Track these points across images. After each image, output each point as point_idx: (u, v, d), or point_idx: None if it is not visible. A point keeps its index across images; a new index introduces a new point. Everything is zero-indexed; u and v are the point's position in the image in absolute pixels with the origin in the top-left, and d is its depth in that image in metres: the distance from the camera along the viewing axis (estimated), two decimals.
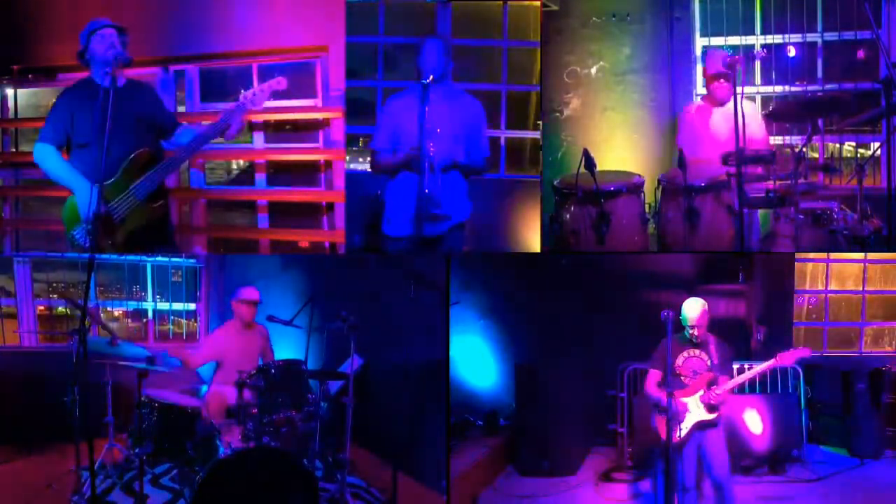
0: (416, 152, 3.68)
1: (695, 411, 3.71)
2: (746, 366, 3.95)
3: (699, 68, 5.45)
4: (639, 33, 5.39)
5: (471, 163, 3.92)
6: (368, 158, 5.48)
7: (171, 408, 4.10)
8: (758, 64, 5.41)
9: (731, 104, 4.38)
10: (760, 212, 4.34)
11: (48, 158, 3.81)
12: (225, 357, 4.70)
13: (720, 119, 4.49)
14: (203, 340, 4.88)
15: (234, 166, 5.77)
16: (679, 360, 3.76)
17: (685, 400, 3.71)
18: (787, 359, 3.70)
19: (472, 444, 5.06)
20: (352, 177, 5.16)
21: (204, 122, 5.10)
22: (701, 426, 3.71)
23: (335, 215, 5.17)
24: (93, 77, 3.83)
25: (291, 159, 5.32)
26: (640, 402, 5.05)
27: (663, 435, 3.70)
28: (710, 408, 3.69)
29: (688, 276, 5.45)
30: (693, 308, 3.75)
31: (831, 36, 5.26)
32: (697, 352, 3.76)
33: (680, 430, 3.65)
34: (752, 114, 4.46)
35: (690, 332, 3.75)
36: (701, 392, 3.70)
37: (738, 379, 3.72)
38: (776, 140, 5.37)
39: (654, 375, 3.85)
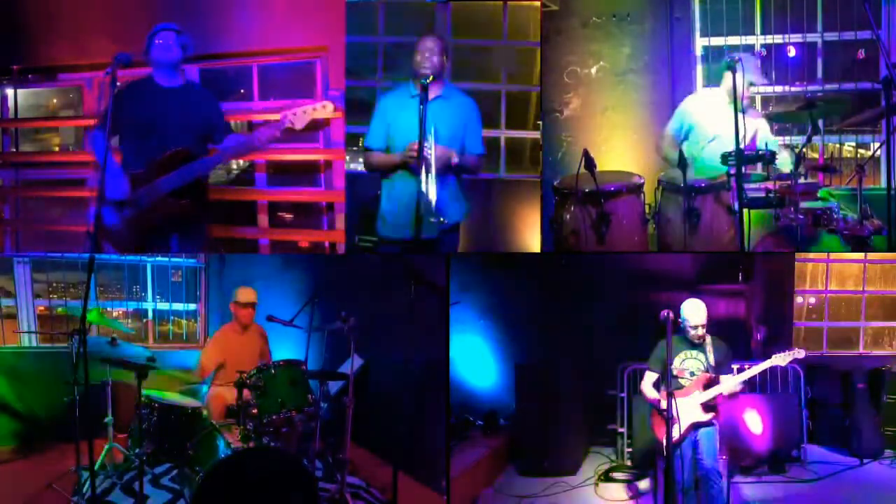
0: (413, 155, 3.66)
1: (691, 412, 3.72)
2: (747, 365, 3.96)
3: (700, 68, 5.45)
4: (639, 33, 5.39)
5: (465, 162, 3.91)
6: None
7: (171, 408, 4.09)
8: (758, 64, 5.41)
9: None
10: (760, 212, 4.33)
11: (97, 144, 4.00)
12: (226, 358, 4.70)
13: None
14: (209, 347, 4.84)
15: (234, 166, 5.77)
16: (677, 362, 3.78)
17: (682, 401, 3.71)
18: (781, 359, 3.73)
19: (472, 444, 5.06)
20: (352, 177, 5.16)
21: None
22: (697, 427, 3.73)
23: (335, 215, 5.18)
24: (152, 76, 4.03)
25: (291, 159, 5.32)
26: (641, 401, 5.05)
27: (659, 436, 3.71)
28: (707, 408, 3.71)
29: (688, 276, 5.44)
30: (693, 309, 3.77)
31: (831, 36, 5.26)
32: (695, 353, 3.79)
33: (677, 430, 3.66)
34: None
35: (690, 333, 3.76)
36: (696, 393, 3.69)
37: (734, 380, 3.72)
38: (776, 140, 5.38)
39: (650, 377, 3.88)
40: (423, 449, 4.36)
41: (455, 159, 3.82)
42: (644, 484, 4.69)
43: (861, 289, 6.03)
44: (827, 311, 6.05)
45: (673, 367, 3.73)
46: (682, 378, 3.77)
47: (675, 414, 3.57)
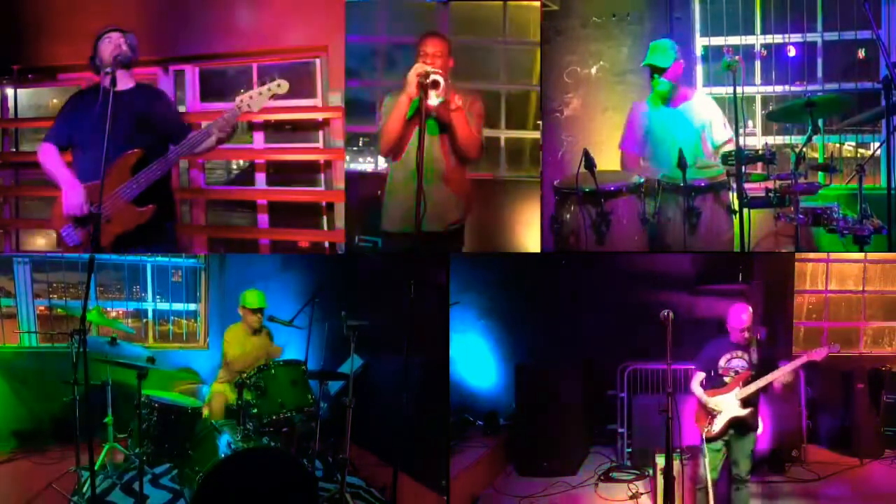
0: (423, 72, 3.60)
1: (730, 408, 3.83)
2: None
3: (699, 68, 5.45)
4: (639, 33, 5.38)
5: (464, 131, 3.84)
6: (371, 158, 5.54)
7: (171, 408, 4.10)
8: (758, 64, 5.41)
9: (689, 103, 4.40)
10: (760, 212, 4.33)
11: (47, 157, 3.82)
12: (232, 359, 4.69)
13: (669, 119, 4.41)
14: (231, 345, 4.80)
15: (234, 166, 5.77)
16: (722, 361, 3.91)
17: (722, 397, 3.85)
18: (817, 355, 3.81)
19: (472, 444, 5.06)
20: (352, 177, 5.16)
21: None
22: (736, 423, 3.83)
23: (335, 215, 5.18)
24: (101, 81, 3.78)
25: (291, 159, 5.32)
26: (641, 401, 5.06)
27: (699, 431, 3.88)
28: (744, 403, 3.81)
29: (688, 276, 5.44)
30: (739, 313, 3.89)
31: (831, 36, 5.26)
32: (740, 352, 3.91)
33: (713, 425, 3.83)
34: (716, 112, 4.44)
35: (736, 335, 3.89)
36: (737, 389, 3.82)
37: (769, 376, 3.81)
38: (776, 140, 5.38)
39: (698, 376, 3.99)
40: (423, 449, 4.36)
41: (459, 101, 3.77)
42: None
43: (861, 289, 6.03)
44: (827, 311, 6.05)
45: (719, 365, 3.90)
46: (727, 376, 3.90)
47: (674, 414, 3.64)
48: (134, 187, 3.69)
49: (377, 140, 4.00)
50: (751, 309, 3.91)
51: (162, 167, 3.76)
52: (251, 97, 3.76)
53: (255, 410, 4.02)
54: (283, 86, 3.78)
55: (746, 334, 3.88)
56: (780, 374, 3.81)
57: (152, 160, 3.77)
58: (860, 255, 5.82)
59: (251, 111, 3.78)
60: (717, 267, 5.43)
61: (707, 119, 4.36)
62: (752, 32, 5.39)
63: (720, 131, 4.37)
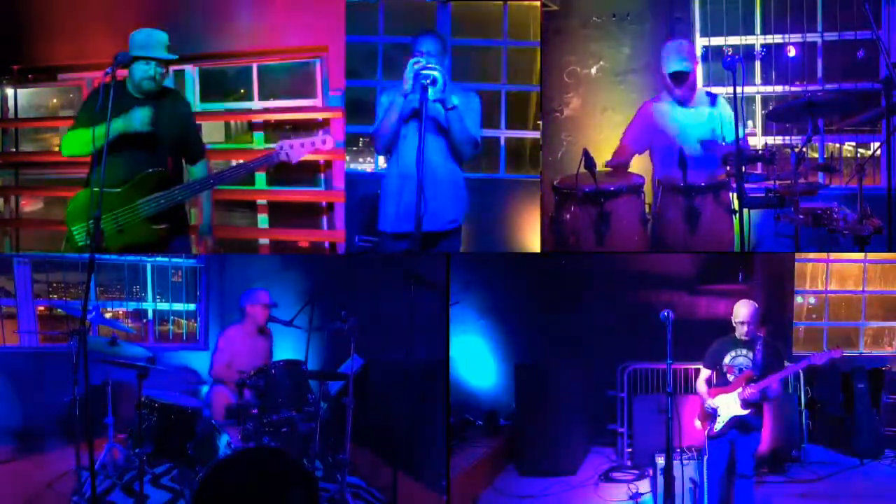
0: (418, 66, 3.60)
1: (732, 407, 3.84)
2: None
3: (699, 68, 5.44)
4: (639, 33, 5.38)
5: (462, 128, 3.81)
6: (371, 158, 5.55)
7: (171, 408, 4.09)
8: (758, 64, 5.41)
9: (697, 103, 4.39)
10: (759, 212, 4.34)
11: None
12: (234, 359, 4.69)
13: (681, 118, 4.42)
14: (220, 347, 4.80)
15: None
16: (727, 359, 3.92)
17: (725, 396, 3.85)
18: (819, 359, 3.83)
19: (472, 444, 5.06)
20: (352, 177, 5.16)
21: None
22: (738, 423, 3.84)
23: (335, 215, 5.18)
24: (126, 80, 3.83)
25: None
26: (641, 401, 5.06)
27: (703, 429, 3.92)
28: (746, 404, 3.82)
29: (688, 276, 5.44)
30: (741, 309, 3.90)
31: (831, 36, 5.26)
32: (745, 351, 3.91)
33: (715, 424, 3.85)
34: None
35: (736, 330, 3.90)
36: (740, 389, 3.83)
37: (771, 378, 3.81)
38: (776, 140, 5.38)
39: (704, 373, 4.02)
40: (423, 449, 4.36)
41: (455, 102, 3.74)
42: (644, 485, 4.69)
43: (861, 289, 6.03)
44: (827, 311, 6.05)
45: (724, 362, 3.92)
46: (731, 374, 3.90)
47: (674, 414, 3.67)
48: (153, 206, 3.70)
49: (374, 138, 3.99)
50: (755, 305, 3.91)
51: (186, 195, 3.77)
52: (292, 146, 3.80)
53: (255, 410, 4.02)
54: (327, 142, 3.88)
55: (746, 328, 3.87)
56: (783, 376, 3.81)
57: (170, 170, 3.77)
58: (860, 255, 5.82)
59: (289, 161, 3.80)
60: (717, 267, 5.43)
61: (722, 122, 4.37)
62: (752, 32, 5.39)
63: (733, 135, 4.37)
